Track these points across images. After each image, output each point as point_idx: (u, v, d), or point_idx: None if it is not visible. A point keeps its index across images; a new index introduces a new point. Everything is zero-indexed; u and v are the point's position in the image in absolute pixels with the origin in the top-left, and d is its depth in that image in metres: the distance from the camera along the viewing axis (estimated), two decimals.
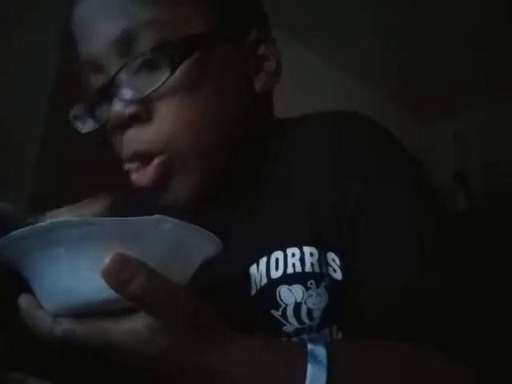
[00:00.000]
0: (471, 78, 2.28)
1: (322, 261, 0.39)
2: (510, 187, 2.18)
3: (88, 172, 1.35)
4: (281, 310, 0.38)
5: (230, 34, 0.41)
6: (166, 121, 0.38)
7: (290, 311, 0.38)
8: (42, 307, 0.28)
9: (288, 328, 0.38)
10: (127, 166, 0.41)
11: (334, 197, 0.40)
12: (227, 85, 0.42)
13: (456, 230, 0.41)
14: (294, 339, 0.38)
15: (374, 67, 2.22)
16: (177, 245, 0.28)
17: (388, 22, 1.94)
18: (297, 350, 0.32)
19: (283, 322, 0.38)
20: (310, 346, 0.31)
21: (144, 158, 0.40)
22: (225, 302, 0.31)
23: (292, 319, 0.38)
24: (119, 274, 0.26)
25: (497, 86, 2.29)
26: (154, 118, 0.38)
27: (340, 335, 0.39)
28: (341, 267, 0.39)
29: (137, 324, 0.27)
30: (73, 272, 0.26)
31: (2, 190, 1.16)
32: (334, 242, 0.40)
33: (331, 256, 0.40)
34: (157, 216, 0.27)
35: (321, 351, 0.31)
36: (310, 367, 0.30)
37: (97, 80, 0.40)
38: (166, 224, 0.27)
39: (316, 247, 0.39)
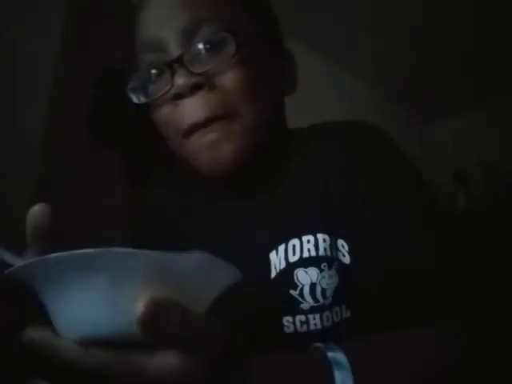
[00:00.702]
0: (471, 79, 2.28)
1: (333, 246, 0.45)
2: (510, 187, 2.18)
3: (88, 172, 1.35)
4: (298, 289, 0.44)
5: (268, 40, 0.50)
6: (229, 89, 0.44)
7: (306, 291, 0.44)
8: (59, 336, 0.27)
9: (305, 306, 0.44)
10: (188, 135, 0.45)
11: (343, 191, 0.46)
12: (268, 78, 0.49)
13: (451, 222, 0.47)
14: (310, 316, 0.44)
15: (374, 67, 2.22)
16: (206, 278, 0.28)
17: (388, 22, 1.95)
18: (319, 360, 0.33)
19: (300, 300, 0.44)
20: (330, 354, 0.33)
21: (208, 121, 0.44)
22: (248, 285, 0.32)
23: (308, 298, 0.44)
24: (155, 323, 0.25)
25: (497, 86, 2.29)
26: (216, 88, 0.44)
27: (348, 313, 0.45)
28: (349, 252, 0.45)
29: (173, 360, 0.27)
30: (107, 302, 0.26)
31: (2, 189, 1.16)
32: (343, 230, 0.45)
33: (340, 242, 0.46)
34: (199, 254, 0.27)
35: (341, 357, 0.33)
36: (336, 374, 0.32)
37: (154, 58, 0.46)
38: (207, 262, 0.27)
39: (328, 234, 0.45)
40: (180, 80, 0.43)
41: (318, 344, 0.35)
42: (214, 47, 0.44)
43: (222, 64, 0.44)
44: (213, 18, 0.44)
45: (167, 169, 0.53)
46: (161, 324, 0.26)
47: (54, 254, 0.26)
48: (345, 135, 0.49)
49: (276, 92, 0.50)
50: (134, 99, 0.47)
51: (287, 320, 0.44)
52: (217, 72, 0.44)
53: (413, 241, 0.42)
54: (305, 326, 0.44)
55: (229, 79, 0.44)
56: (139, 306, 0.25)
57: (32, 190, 1.21)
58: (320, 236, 0.45)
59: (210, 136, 0.44)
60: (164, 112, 0.46)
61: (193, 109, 0.44)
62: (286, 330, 0.44)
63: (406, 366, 0.35)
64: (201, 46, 0.44)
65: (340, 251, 0.45)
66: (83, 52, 1.35)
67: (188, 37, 0.44)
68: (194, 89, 0.43)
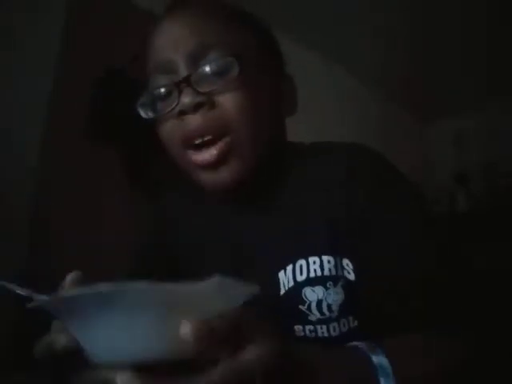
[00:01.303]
0: (471, 79, 2.29)
1: (338, 265, 0.49)
2: (510, 187, 2.18)
3: (88, 172, 1.35)
4: (306, 305, 0.48)
5: (270, 66, 0.54)
6: (228, 109, 0.48)
7: (313, 306, 0.48)
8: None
9: (312, 317, 0.48)
10: (187, 145, 0.49)
11: (343, 201, 0.49)
12: (267, 100, 0.52)
13: (449, 230, 0.49)
14: (318, 326, 0.48)
15: (374, 67, 2.22)
16: (223, 301, 0.29)
17: (388, 23, 1.95)
18: (366, 364, 0.35)
19: (308, 313, 0.48)
20: (375, 359, 0.35)
21: (208, 139, 0.48)
22: (259, 301, 0.32)
23: (315, 311, 0.48)
24: (207, 340, 0.26)
25: (497, 86, 2.29)
26: (216, 107, 0.48)
27: (356, 323, 0.48)
28: (354, 270, 0.49)
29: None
30: (128, 334, 0.28)
31: (2, 190, 1.16)
32: (347, 250, 0.49)
33: (345, 261, 0.49)
34: (214, 281, 0.27)
35: (385, 362, 0.35)
36: (382, 381, 0.34)
37: (164, 80, 0.50)
38: (223, 286, 0.28)
39: (332, 255, 0.49)
40: (186, 99, 0.47)
41: (357, 343, 0.37)
42: (218, 70, 0.48)
43: (225, 85, 0.47)
44: (218, 44, 0.49)
45: (169, 175, 0.55)
46: (213, 335, 0.26)
47: (73, 292, 0.28)
48: (344, 150, 0.52)
49: (275, 113, 0.54)
50: (143, 114, 0.51)
51: (298, 328, 0.48)
52: (220, 92, 0.48)
53: (413, 250, 0.45)
54: (313, 334, 0.48)
55: (229, 99, 0.48)
56: (162, 333, 0.27)
57: (32, 190, 1.21)
58: (325, 258, 0.49)
59: (207, 154, 0.48)
60: (168, 126, 0.50)
61: (193, 124, 0.48)
62: (297, 335, 0.48)
63: (433, 367, 0.38)
64: (207, 68, 0.48)
65: (345, 269, 0.49)
66: (83, 52, 1.35)
67: (195, 60, 0.48)
68: (197, 107, 0.47)
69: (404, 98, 2.45)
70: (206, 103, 0.47)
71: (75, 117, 1.33)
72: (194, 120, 0.47)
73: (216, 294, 0.28)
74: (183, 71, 0.48)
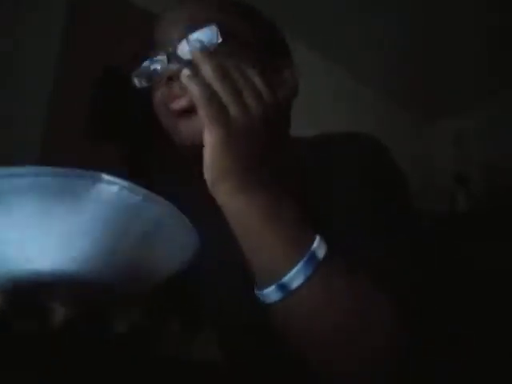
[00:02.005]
0: (471, 79, 2.29)
1: None
2: (510, 187, 2.18)
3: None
4: None
5: (269, 52, 0.54)
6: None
7: None
8: None
9: None
10: (175, 117, 0.51)
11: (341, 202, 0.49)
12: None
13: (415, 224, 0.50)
14: None
15: (374, 67, 2.22)
16: (127, 218, 0.23)
17: (388, 23, 1.95)
18: (308, 232, 0.39)
19: None
20: (317, 237, 0.39)
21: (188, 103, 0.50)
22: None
23: None
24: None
25: (497, 86, 2.30)
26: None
27: None
28: None
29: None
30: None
31: None
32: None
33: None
34: (96, 174, 0.22)
35: (324, 246, 0.39)
36: (317, 238, 0.39)
37: (160, 53, 0.52)
38: (108, 186, 0.22)
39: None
40: (173, 66, 0.49)
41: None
42: (201, 37, 0.49)
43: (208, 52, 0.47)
44: (210, 21, 0.50)
45: (167, 169, 0.56)
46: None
47: None
48: (344, 146, 0.52)
49: None
50: (137, 83, 0.53)
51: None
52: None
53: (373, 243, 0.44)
54: None
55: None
56: None
57: None
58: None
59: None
60: (159, 93, 0.52)
61: (180, 90, 0.49)
62: None
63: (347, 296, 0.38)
64: (192, 36, 0.49)
65: None
66: (83, 52, 1.35)
67: (186, 33, 0.50)
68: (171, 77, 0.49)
69: (404, 97, 2.45)
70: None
71: (75, 117, 1.33)
72: (181, 86, 0.48)
73: (91, 190, 0.22)
74: (175, 44, 0.51)
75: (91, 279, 0.23)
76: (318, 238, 0.39)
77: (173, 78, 0.50)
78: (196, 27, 0.50)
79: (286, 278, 0.37)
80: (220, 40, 0.48)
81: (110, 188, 0.23)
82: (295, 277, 0.37)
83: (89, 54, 1.35)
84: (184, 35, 0.50)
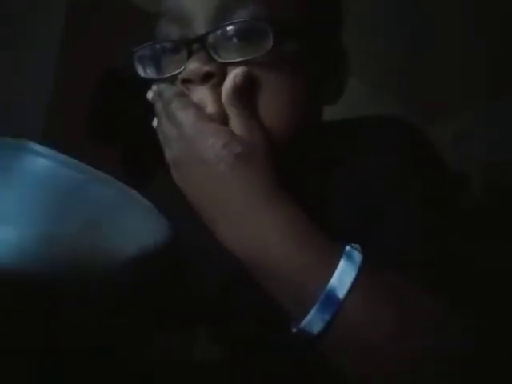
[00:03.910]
0: (471, 79, 2.28)
1: None
2: (510, 187, 2.18)
3: None
4: None
5: (317, 37, 0.42)
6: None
7: None
8: None
9: None
10: None
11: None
12: (305, 86, 0.41)
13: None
14: None
15: (373, 67, 2.22)
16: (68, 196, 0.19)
17: (388, 22, 1.95)
18: (334, 243, 0.33)
19: None
20: (347, 247, 0.32)
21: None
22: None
23: None
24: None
25: (496, 86, 2.29)
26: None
27: None
28: None
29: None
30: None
31: None
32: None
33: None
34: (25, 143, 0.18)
35: (357, 254, 0.32)
36: (342, 262, 0.31)
37: (174, 31, 0.39)
38: (35, 158, 0.18)
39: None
40: (194, 64, 0.36)
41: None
42: (244, 35, 0.36)
43: (249, 59, 0.36)
44: (255, 1, 0.36)
45: (167, 171, 0.53)
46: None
47: None
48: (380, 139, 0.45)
49: (309, 104, 0.42)
50: (140, 71, 0.40)
51: None
52: (234, 65, 0.36)
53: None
54: None
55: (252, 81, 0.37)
56: None
57: None
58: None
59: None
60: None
61: (196, 98, 0.37)
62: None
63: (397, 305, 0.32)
64: (231, 30, 0.36)
65: None
66: (83, 52, 1.35)
67: (218, 15, 0.37)
68: (205, 77, 0.36)
69: (404, 97, 2.45)
70: (217, 75, 0.36)
71: (75, 117, 1.33)
72: (199, 93, 0.36)
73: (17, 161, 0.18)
74: (200, 26, 0.37)
75: (19, 274, 0.18)
76: (347, 245, 0.33)
77: (192, 79, 0.36)
78: (235, 6, 0.36)
79: (331, 285, 0.30)
80: (270, 44, 0.35)
81: (43, 162, 0.18)
82: (340, 283, 0.30)
83: (89, 54, 1.35)
84: (217, 16, 0.36)
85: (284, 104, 0.38)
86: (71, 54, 1.34)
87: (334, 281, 0.30)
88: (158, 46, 0.39)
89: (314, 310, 0.30)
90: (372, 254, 0.35)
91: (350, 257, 0.31)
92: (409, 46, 2.10)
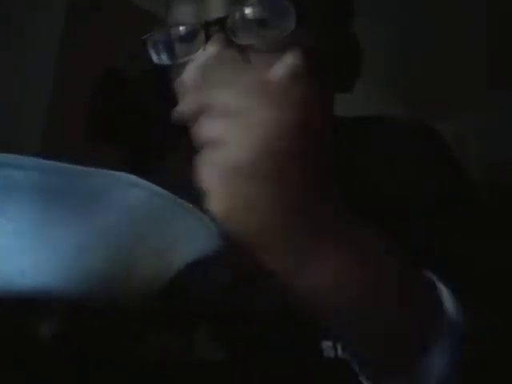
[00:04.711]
0: (471, 79, 2.28)
1: None
2: (510, 187, 2.18)
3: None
4: None
5: (334, 22, 0.40)
6: None
7: None
8: None
9: None
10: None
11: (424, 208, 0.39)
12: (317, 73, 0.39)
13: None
14: None
15: (373, 67, 2.22)
16: (152, 225, 0.19)
17: (388, 22, 1.94)
18: (425, 279, 0.28)
19: None
20: (437, 282, 0.28)
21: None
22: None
23: None
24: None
25: (496, 86, 2.29)
26: None
27: None
28: None
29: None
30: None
31: None
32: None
33: None
34: (121, 175, 0.18)
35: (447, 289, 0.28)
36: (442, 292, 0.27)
37: (188, 14, 0.36)
38: (131, 189, 0.17)
39: None
40: (213, 47, 0.32)
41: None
42: (265, 18, 0.34)
43: (271, 41, 0.34)
44: None
45: (167, 171, 0.50)
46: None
47: None
48: (408, 136, 0.43)
49: (322, 94, 0.40)
50: (154, 58, 0.38)
51: (327, 345, 0.39)
52: (259, 50, 0.34)
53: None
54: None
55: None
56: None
57: None
58: None
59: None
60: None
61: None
62: (326, 354, 0.39)
63: None
64: (250, 11, 0.34)
65: None
66: (83, 52, 1.35)
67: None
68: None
69: (404, 97, 2.44)
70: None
71: (75, 117, 1.33)
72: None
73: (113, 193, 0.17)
74: (217, 7, 0.35)
75: (95, 302, 0.18)
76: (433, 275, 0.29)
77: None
78: None
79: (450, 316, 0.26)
80: (292, 25, 0.33)
81: (136, 193, 0.18)
82: (456, 311, 0.26)
83: (89, 54, 1.35)
84: (238, 1, 0.34)
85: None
86: (71, 54, 1.34)
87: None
88: (172, 29, 0.36)
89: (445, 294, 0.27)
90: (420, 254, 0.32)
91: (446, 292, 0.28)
92: (409, 45, 2.10)
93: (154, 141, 1.28)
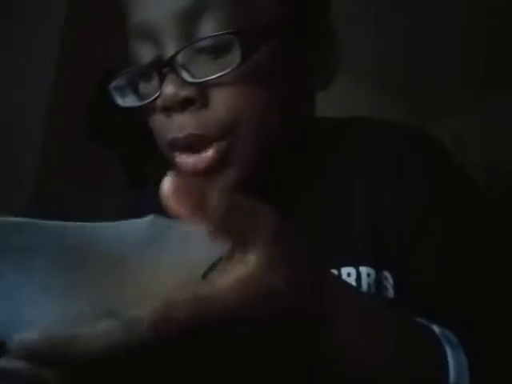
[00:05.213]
0: (471, 79, 2.28)
1: (379, 280, 0.37)
2: (510, 187, 2.18)
3: (88, 172, 1.35)
4: None
5: (304, 23, 0.38)
6: (226, 108, 0.34)
7: None
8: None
9: None
10: (174, 151, 0.36)
11: (397, 211, 0.37)
12: (290, 78, 0.38)
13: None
14: None
15: (373, 67, 2.22)
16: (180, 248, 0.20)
17: (388, 22, 1.94)
18: (423, 328, 0.27)
19: None
20: (436, 328, 0.27)
21: (199, 142, 0.35)
22: None
23: None
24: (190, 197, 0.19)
25: (496, 86, 2.29)
26: (210, 105, 0.34)
27: None
28: (393, 286, 0.37)
29: (247, 267, 0.19)
30: (25, 299, 0.18)
31: (2, 190, 1.16)
32: (392, 261, 0.37)
33: (385, 274, 0.37)
34: (151, 220, 0.19)
35: (449, 333, 0.27)
36: (449, 351, 0.26)
37: (145, 51, 0.36)
38: (160, 225, 0.18)
39: (373, 267, 0.36)
40: (168, 89, 0.33)
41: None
42: (214, 50, 0.33)
43: (224, 75, 0.33)
44: (225, 2, 0.33)
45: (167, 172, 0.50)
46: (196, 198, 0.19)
47: None
48: (396, 138, 0.42)
49: (303, 89, 0.41)
50: (119, 101, 0.37)
51: None
52: (217, 84, 0.33)
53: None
54: None
55: (227, 96, 0.34)
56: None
57: (32, 190, 1.21)
58: (363, 269, 0.36)
59: (206, 160, 0.35)
60: (155, 122, 0.37)
61: (180, 127, 0.35)
62: None
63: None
64: (198, 47, 0.34)
65: (384, 285, 0.37)
66: (83, 52, 1.35)
67: (186, 26, 0.34)
68: (184, 104, 0.34)
69: (403, 97, 2.44)
70: (196, 99, 0.33)
71: (75, 117, 1.33)
72: (180, 119, 0.34)
73: (147, 232, 0.18)
74: (169, 42, 0.34)
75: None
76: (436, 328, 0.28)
77: (170, 107, 0.33)
78: (201, 11, 0.32)
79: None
80: (238, 59, 0.32)
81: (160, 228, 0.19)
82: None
83: (89, 55, 1.35)
84: (185, 24, 0.33)
85: (262, 108, 0.35)
86: (71, 54, 1.34)
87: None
88: (131, 71, 0.36)
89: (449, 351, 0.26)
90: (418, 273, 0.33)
91: (446, 338, 0.27)
92: (408, 45, 2.10)
93: (153, 140, 1.28)
